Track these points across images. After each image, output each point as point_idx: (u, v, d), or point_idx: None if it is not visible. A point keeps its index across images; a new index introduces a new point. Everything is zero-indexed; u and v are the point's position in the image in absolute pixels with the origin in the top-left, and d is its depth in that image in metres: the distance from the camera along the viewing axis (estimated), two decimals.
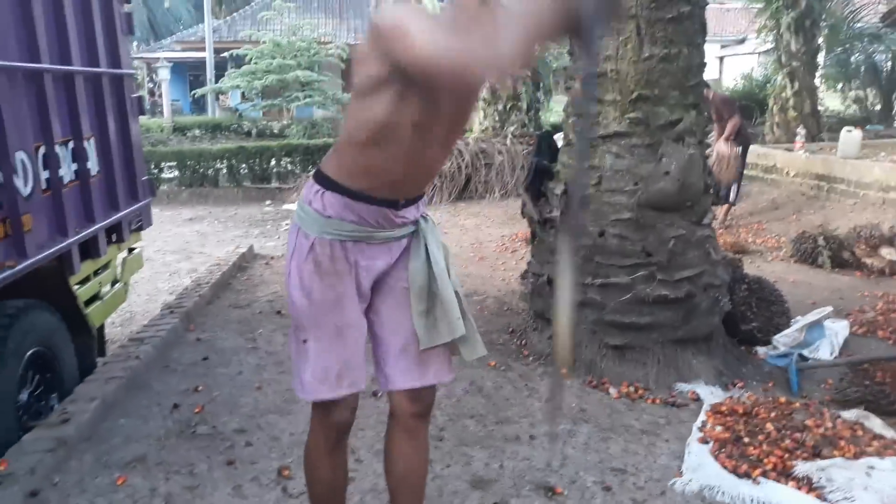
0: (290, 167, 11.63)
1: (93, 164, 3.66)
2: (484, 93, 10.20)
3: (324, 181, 1.74)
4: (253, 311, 4.65)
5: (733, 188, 7.38)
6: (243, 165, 11.60)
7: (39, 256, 3.00)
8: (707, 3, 3.68)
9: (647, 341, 3.50)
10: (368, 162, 1.68)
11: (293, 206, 9.52)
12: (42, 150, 3.13)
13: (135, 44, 28.27)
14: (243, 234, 8.57)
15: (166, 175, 11.78)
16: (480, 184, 9.31)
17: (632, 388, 3.35)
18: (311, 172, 1.79)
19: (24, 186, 2.92)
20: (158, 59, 20.15)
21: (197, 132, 16.62)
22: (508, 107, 10.02)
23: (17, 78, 2.93)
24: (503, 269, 5.87)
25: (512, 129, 9.94)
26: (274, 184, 11.52)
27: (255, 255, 6.51)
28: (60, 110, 3.32)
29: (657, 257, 3.48)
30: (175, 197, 11.27)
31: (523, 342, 3.90)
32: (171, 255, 7.65)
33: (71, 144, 3.44)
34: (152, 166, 11.42)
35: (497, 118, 10.14)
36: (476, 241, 7.07)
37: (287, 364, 3.65)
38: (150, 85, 24.80)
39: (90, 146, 3.65)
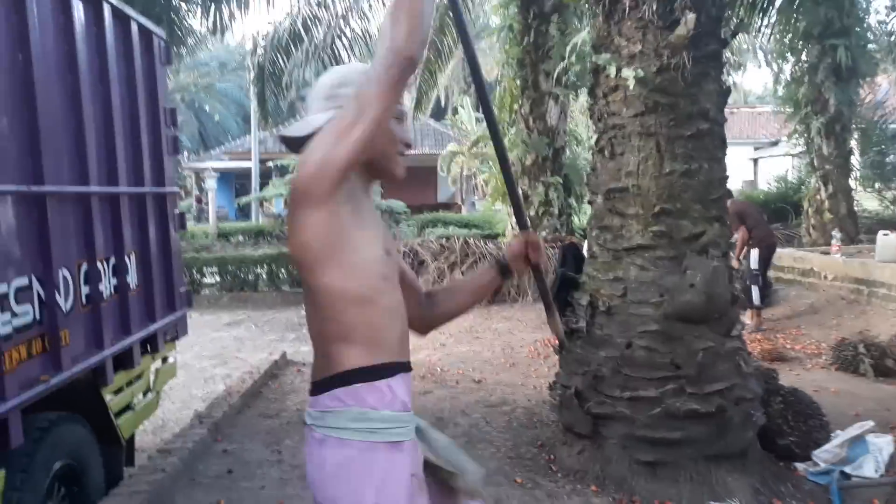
0: None
1: (132, 278, 3.81)
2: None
3: (361, 374, 1.47)
4: (281, 422, 4.65)
5: (755, 292, 7.37)
6: (282, 270, 11.88)
7: (74, 370, 3.08)
8: (725, 121, 3.78)
9: (679, 457, 3.40)
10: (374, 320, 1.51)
11: None
12: (84, 267, 3.29)
13: (185, 154, 29.74)
14: (279, 339, 8.66)
15: (208, 280, 12.10)
16: (513, 287, 9.34)
17: None
18: (324, 387, 1.50)
19: (64, 302, 3.05)
20: (206, 168, 21.11)
21: (240, 238, 17.13)
22: (541, 212, 10.17)
23: (67, 201, 3.13)
24: (535, 375, 5.80)
25: (544, 233, 10.04)
26: None
27: (287, 362, 6.56)
28: (104, 229, 3.50)
29: (686, 370, 3.43)
30: (215, 301, 11.51)
31: (552, 457, 3.81)
32: (207, 360, 7.74)
33: (112, 260, 3.60)
34: (195, 271, 11.77)
35: (528, 223, 10.28)
36: (508, 346, 7.03)
37: None
38: (198, 193, 25.88)
39: (131, 261, 3.81)
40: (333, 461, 1.45)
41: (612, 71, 3.73)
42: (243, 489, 3.50)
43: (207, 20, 10.84)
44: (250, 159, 21.77)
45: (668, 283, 3.51)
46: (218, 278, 11.99)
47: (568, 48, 3.74)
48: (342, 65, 1.65)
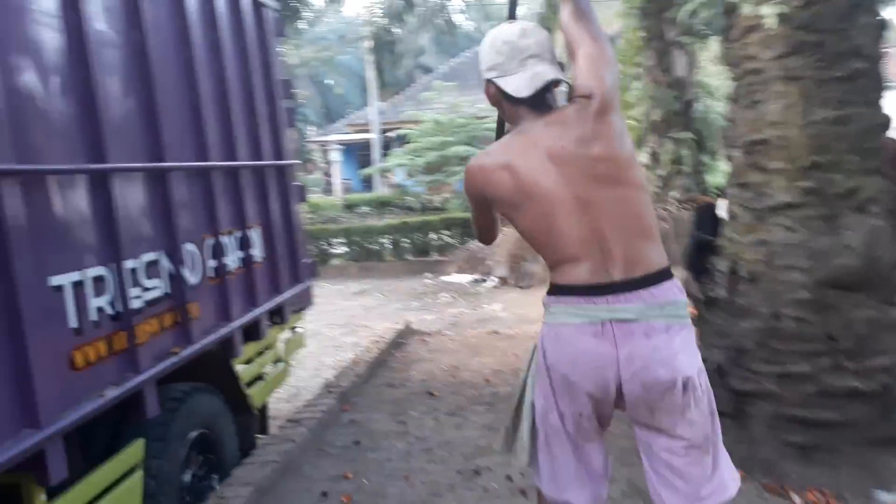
0: (449, 240, 11.90)
1: (257, 252, 3.87)
2: (644, 157, 9.89)
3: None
4: (406, 392, 4.65)
5: None
6: (405, 239, 12.02)
7: (205, 342, 3.16)
8: (881, 58, 3.30)
9: (837, 440, 3.05)
10: None
11: (451, 279, 9.53)
12: (210, 242, 3.36)
13: (311, 128, 30.70)
14: (404, 308, 8.76)
15: (336, 251, 12.45)
16: None
17: (819, 495, 2.92)
18: (664, 276, 1.76)
19: (191, 276, 3.13)
20: (330, 142, 21.68)
21: (365, 209, 17.49)
22: (671, 171, 9.60)
23: (189, 176, 3.18)
24: None
25: (675, 193, 9.50)
26: (434, 256, 11.80)
27: (411, 332, 6.59)
28: (227, 203, 3.56)
29: (843, 343, 3.06)
30: (344, 271, 11.82)
31: None
32: (337, 328, 7.95)
33: (236, 234, 3.67)
34: (323, 242, 12.13)
35: (659, 183, 9.74)
36: None
37: (436, 452, 3.57)
38: (324, 165, 26.68)
39: (255, 234, 3.88)
40: (692, 338, 1.78)
41: (749, 9, 3.33)
42: (369, 461, 3.50)
43: None
44: (371, 130, 22.13)
45: (821, 246, 3.13)
46: (345, 248, 12.30)
47: None
48: (537, 28, 1.89)
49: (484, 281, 9.85)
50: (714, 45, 12.92)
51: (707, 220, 3.80)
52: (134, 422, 2.74)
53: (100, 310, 2.50)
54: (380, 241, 12.18)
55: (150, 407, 2.71)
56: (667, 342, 1.69)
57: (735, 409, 3.26)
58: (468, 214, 13.28)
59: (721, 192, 9.08)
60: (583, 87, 1.77)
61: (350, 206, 17.70)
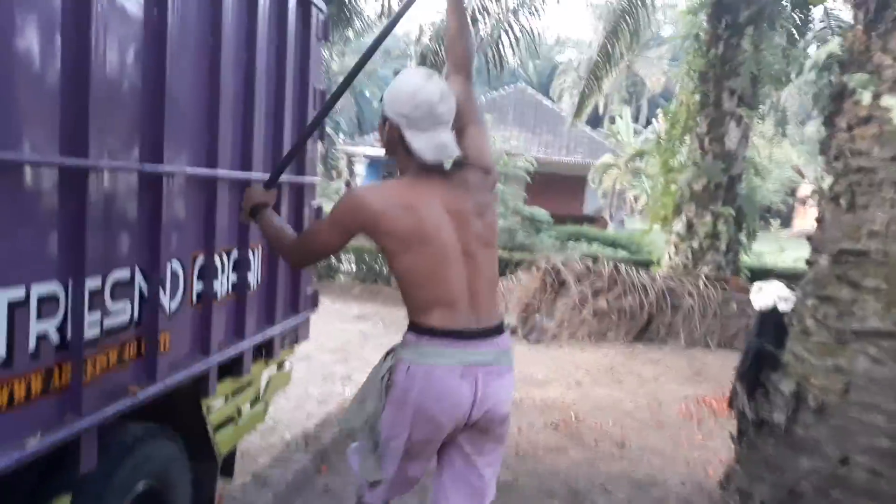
0: None
1: (254, 276, 3.39)
2: (679, 226, 9.40)
3: None
4: None
5: None
6: None
7: (170, 380, 2.67)
8: None
9: None
10: None
11: None
12: (199, 260, 2.87)
13: (341, 137, 30.48)
14: None
15: (344, 267, 11.97)
16: (664, 326, 8.40)
17: None
18: (503, 328, 2.14)
19: (169, 301, 2.64)
20: (358, 154, 21.36)
21: None
22: (705, 245, 9.12)
23: (188, 184, 2.71)
24: (687, 445, 4.94)
25: (706, 269, 9.00)
26: None
27: None
28: (229, 218, 3.08)
29: None
30: (347, 290, 11.35)
31: None
32: (329, 353, 7.45)
33: (234, 254, 3.19)
34: (333, 257, 11.68)
35: (690, 255, 9.25)
36: (654, 399, 6.18)
37: None
38: (348, 177, 26.36)
39: (255, 256, 3.40)
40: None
41: (866, 97, 2.87)
42: None
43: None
44: None
45: None
46: (353, 266, 11.83)
47: (807, 63, 3.00)
48: (451, 94, 2.08)
49: None
50: (769, 123, 12.48)
51: (770, 327, 3.30)
52: (66, 473, 2.24)
53: (42, 337, 2.02)
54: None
55: (85, 460, 2.21)
56: (510, 383, 2.11)
57: None
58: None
59: (752, 276, 8.54)
60: (482, 161, 2.15)
61: None
